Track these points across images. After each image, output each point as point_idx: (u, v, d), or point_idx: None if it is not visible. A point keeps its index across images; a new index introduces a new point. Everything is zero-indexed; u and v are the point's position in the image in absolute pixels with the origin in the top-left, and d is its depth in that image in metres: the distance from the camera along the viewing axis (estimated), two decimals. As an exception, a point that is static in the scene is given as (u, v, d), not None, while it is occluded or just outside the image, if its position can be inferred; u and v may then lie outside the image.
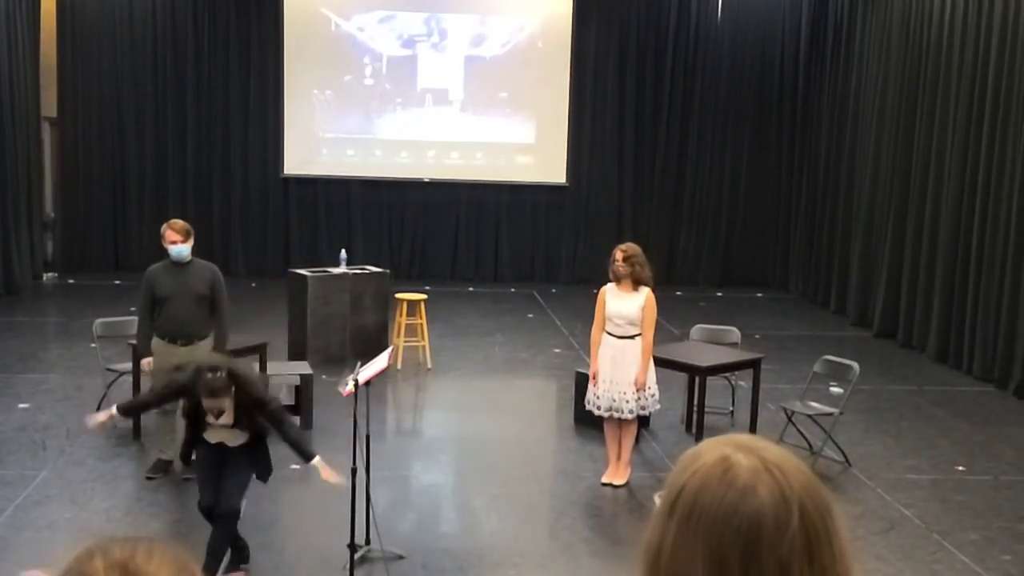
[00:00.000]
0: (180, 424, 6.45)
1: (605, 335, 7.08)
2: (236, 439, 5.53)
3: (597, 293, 7.22)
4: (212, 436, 5.54)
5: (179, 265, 6.92)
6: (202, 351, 6.85)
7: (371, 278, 10.70)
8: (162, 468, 7.07)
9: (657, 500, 1.37)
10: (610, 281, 7.15)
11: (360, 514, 5.68)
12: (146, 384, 7.70)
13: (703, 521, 1.28)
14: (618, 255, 7.07)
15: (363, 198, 15.43)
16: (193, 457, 5.72)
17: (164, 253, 7.09)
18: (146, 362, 7.06)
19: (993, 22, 10.47)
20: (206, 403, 5.29)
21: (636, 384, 6.98)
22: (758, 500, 1.27)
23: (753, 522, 1.26)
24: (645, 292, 7.02)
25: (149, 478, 6.99)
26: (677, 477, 1.34)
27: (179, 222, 7.08)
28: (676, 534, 1.30)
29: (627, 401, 7.00)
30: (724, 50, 15.52)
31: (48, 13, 14.61)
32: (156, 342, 6.90)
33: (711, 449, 1.34)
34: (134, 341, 7.57)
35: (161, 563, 1.27)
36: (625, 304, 7.01)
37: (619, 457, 7.20)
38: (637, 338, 7.00)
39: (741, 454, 1.31)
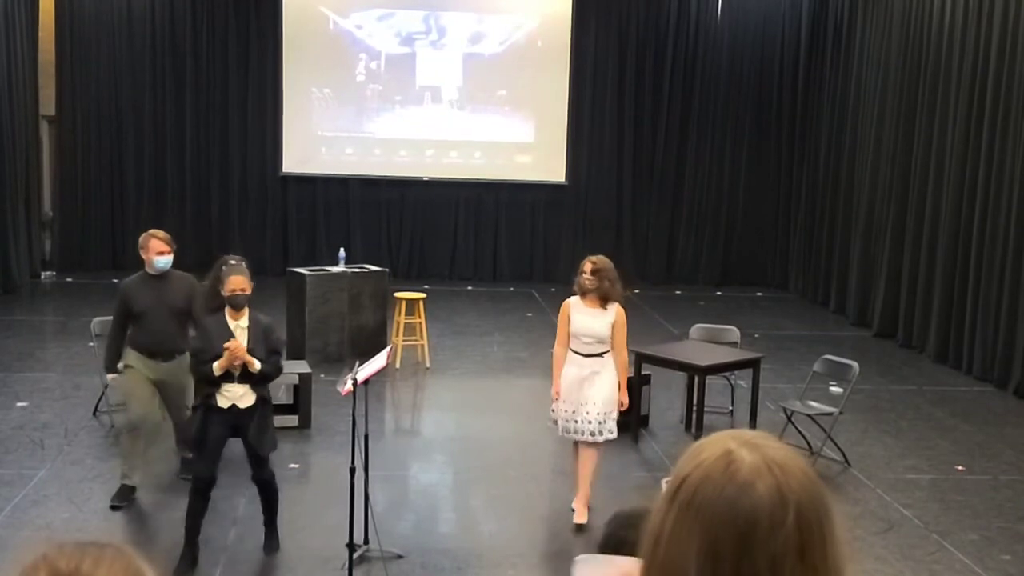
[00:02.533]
0: (139, 442, 6.56)
1: (572, 354, 6.49)
2: (248, 398, 5.64)
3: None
4: (224, 399, 5.61)
5: (155, 277, 6.58)
6: (184, 365, 6.46)
7: (370, 277, 10.69)
8: (128, 495, 6.59)
9: (664, 485, 1.38)
10: (575, 294, 6.55)
11: (359, 514, 5.67)
12: (112, 395, 7.59)
13: (701, 512, 1.29)
14: (586, 267, 6.47)
15: (362, 197, 15.42)
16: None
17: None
18: (112, 378, 6.79)
19: (993, 22, 10.46)
20: (228, 283, 5.54)
21: (622, 406, 6.50)
22: (756, 496, 1.28)
23: (749, 517, 1.27)
24: (615, 308, 6.45)
25: (114, 507, 6.48)
26: (682, 466, 1.36)
27: (162, 232, 6.74)
28: (674, 522, 1.32)
29: (589, 422, 6.42)
30: (724, 49, 15.51)
31: (47, 12, 14.60)
32: (134, 356, 6.56)
33: (717, 442, 1.36)
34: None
35: (110, 571, 1.26)
36: (593, 321, 6.42)
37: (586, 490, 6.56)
38: (606, 355, 6.45)
39: (745, 450, 1.33)
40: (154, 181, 15.14)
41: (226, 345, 5.49)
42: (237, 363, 5.53)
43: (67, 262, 14.90)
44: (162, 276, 6.58)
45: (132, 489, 6.62)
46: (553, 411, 6.58)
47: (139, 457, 6.61)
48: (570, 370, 6.47)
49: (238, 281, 5.59)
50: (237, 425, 5.65)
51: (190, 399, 6.61)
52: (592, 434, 6.40)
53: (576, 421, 6.42)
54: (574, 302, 6.51)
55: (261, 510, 6.03)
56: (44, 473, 7.05)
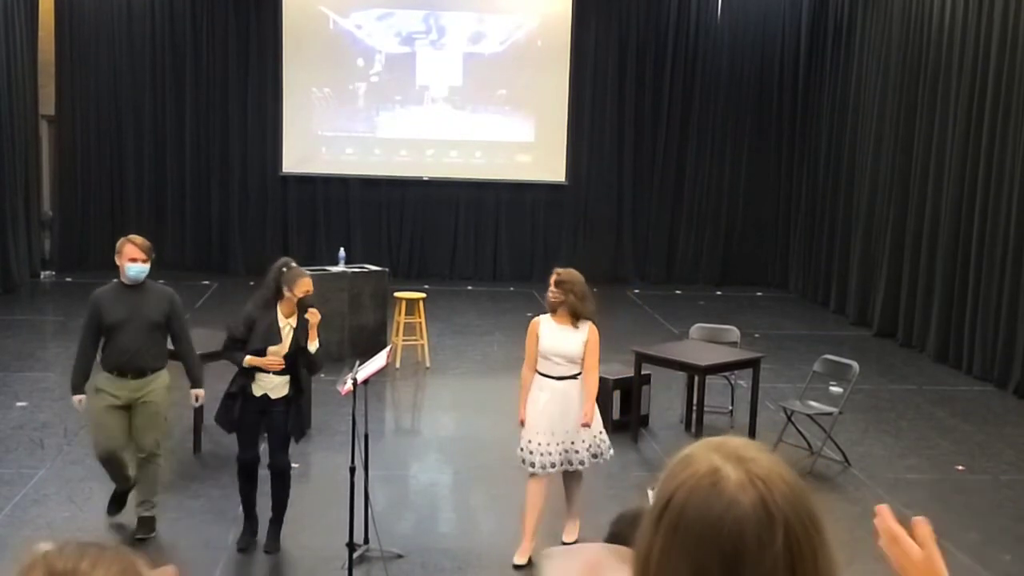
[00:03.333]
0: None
1: (540, 377, 5.98)
2: (280, 390, 5.90)
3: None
4: (258, 387, 5.88)
5: (131, 288, 6.04)
6: (158, 384, 6.09)
7: (370, 277, 10.68)
8: (120, 500, 6.34)
9: (650, 493, 1.35)
10: (545, 313, 6.09)
11: (359, 513, 5.67)
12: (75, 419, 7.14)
13: (689, 534, 1.27)
14: (552, 279, 6.00)
15: (362, 196, 15.41)
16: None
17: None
18: (78, 400, 6.13)
19: (993, 21, 10.46)
20: (301, 285, 5.81)
21: (585, 420, 5.92)
22: (742, 514, 1.26)
23: (736, 538, 1.25)
24: (587, 327, 5.96)
25: (111, 513, 6.35)
26: (667, 484, 1.33)
27: (140, 238, 6.13)
28: (662, 545, 1.29)
29: (577, 452, 5.98)
30: (724, 49, 15.51)
31: (46, 11, 14.60)
32: (103, 377, 6.05)
33: (702, 457, 1.33)
34: None
35: (108, 571, 1.27)
36: (564, 340, 5.93)
37: (556, 518, 6.21)
38: (580, 377, 5.99)
39: (731, 466, 1.30)
40: (154, 181, 15.14)
41: (271, 351, 5.82)
42: (272, 366, 5.85)
43: (67, 262, 14.89)
44: (138, 287, 6.04)
45: (126, 493, 6.31)
46: (522, 449, 5.97)
47: (123, 469, 6.16)
48: (541, 396, 5.95)
49: (308, 284, 5.86)
50: (266, 411, 5.90)
51: (163, 426, 6.29)
52: (582, 463, 6.02)
53: (565, 452, 5.96)
54: (543, 320, 6.04)
55: (270, 507, 6.02)
56: (44, 472, 7.05)
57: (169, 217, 15.14)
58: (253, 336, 5.86)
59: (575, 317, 5.94)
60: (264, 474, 6.05)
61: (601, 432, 6.13)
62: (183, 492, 6.81)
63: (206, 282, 13.97)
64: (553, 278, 5.99)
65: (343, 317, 10.30)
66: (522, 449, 5.98)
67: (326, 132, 15.24)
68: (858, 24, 13.65)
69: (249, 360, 5.82)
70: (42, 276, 14.55)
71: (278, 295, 5.88)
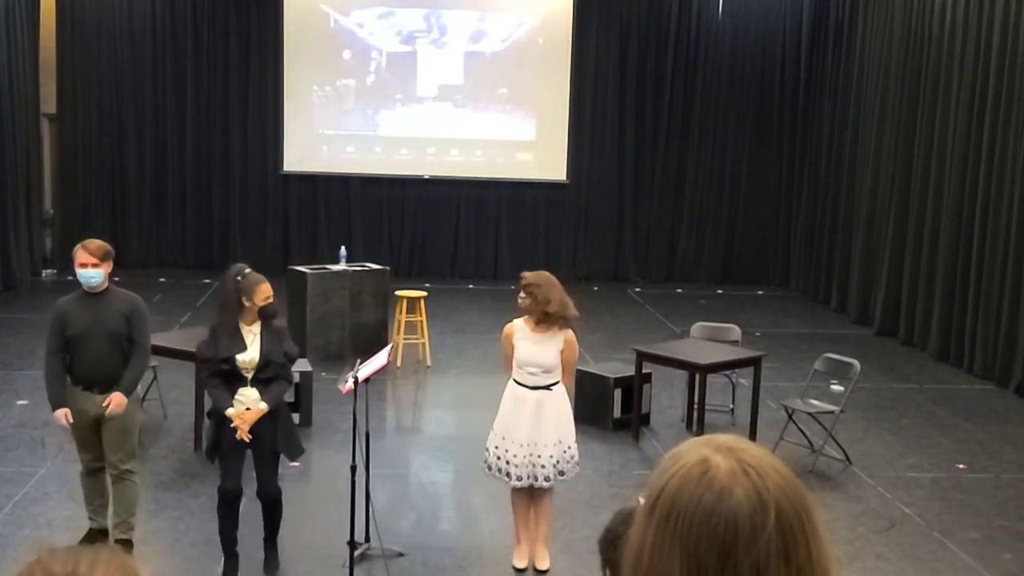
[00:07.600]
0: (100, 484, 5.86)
1: (515, 385, 5.73)
2: (259, 402, 5.46)
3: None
4: (238, 404, 5.46)
5: (93, 296, 5.77)
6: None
7: (371, 275, 10.69)
8: (96, 541, 5.75)
9: (641, 501, 1.36)
10: (518, 317, 5.81)
11: (360, 512, 5.67)
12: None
13: (681, 522, 1.28)
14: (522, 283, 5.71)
15: (363, 195, 15.42)
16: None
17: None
18: (62, 413, 5.67)
19: (994, 21, 10.45)
20: (260, 293, 5.45)
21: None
22: (735, 501, 1.27)
23: (729, 524, 1.26)
24: (563, 335, 5.70)
25: None
26: (658, 478, 1.34)
27: (95, 241, 5.85)
28: (655, 535, 1.30)
29: (543, 466, 5.67)
30: (725, 48, 15.50)
31: (48, 10, 14.60)
32: (72, 391, 5.71)
33: (691, 451, 1.34)
34: None
35: (106, 572, 1.28)
36: (539, 349, 5.67)
37: (534, 534, 5.89)
38: (555, 387, 5.72)
39: (720, 456, 1.31)
40: (155, 179, 15.14)
41: (239, 359, 5.44)
42: (245, 426, 5.42)
43: (68, 260, 14.72)
44: (100, 295, 5.75)
45: (103, 533, 5.91)
46: (498, 459, 5.77)
47: (100, 498, 5.90)
48: (514, 405, 5.72)
49: (267, 290, 5.53)
50: (252, 430, 5.46)
51: (132, 442, 5.86)
52: (547, 479, 5.69)
53: (532, 465, 5.68)
54: (518, 326, 5.74)
55: (263, 521, 5.86)
56: (45, 471, 7.05)
57: (170, 215, 15.15)
58: (219, 348, 5.49)
59: (547, 321, 5.65)
60: (253, 505, 5.75)
61: (570, 448, 5.78)
62: (183, 491, 6.81)
63: (207, 281, 13.95)
64: (522, 283, 5.71)
65: (344, 315, 10.31)
66: (498, 459, 5.77)
67: (327, 131, 15.24)
68: (859, 23, 13.64)
69: (234, 415, 5.42)
70: (43, 274, 14.56)
71: (239, 305, 5.50)
